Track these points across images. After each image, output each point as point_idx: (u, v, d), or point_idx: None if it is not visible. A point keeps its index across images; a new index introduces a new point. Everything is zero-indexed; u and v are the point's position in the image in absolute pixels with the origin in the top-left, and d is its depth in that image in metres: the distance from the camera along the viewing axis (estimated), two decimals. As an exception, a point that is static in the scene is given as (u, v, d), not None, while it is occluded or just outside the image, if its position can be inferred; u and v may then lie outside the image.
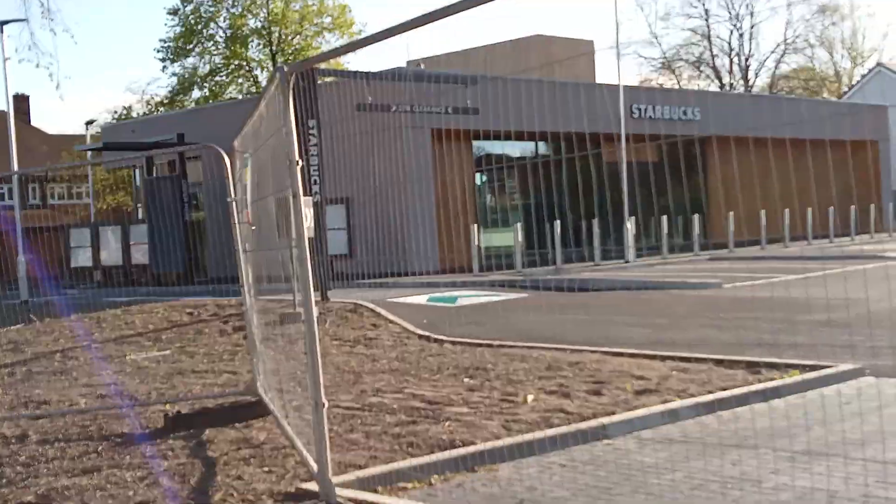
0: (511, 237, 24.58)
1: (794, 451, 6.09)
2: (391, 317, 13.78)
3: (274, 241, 7.14)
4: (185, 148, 19.51)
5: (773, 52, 66.60)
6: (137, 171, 32.44)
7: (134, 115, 50.78)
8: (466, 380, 8.82)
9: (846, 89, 63.26)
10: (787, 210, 29.59)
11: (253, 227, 8.26)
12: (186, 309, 15.36)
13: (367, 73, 24.02)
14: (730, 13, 65.30)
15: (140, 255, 26.69)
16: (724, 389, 7.85)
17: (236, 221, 8.68)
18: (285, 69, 5.79)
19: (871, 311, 12.07)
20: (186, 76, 51.45)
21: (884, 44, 68.35)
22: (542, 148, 29.59)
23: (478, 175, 28.73)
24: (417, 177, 24.78)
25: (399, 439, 6.59)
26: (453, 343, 11.39)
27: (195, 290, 19.91)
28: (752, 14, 64.45)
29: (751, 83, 65.97)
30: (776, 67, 67.31)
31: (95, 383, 9.68)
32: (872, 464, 5.72)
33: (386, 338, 12.12)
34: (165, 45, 50.83)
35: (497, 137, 25.88)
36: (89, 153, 35.66)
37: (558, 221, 24.24)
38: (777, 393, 7.83)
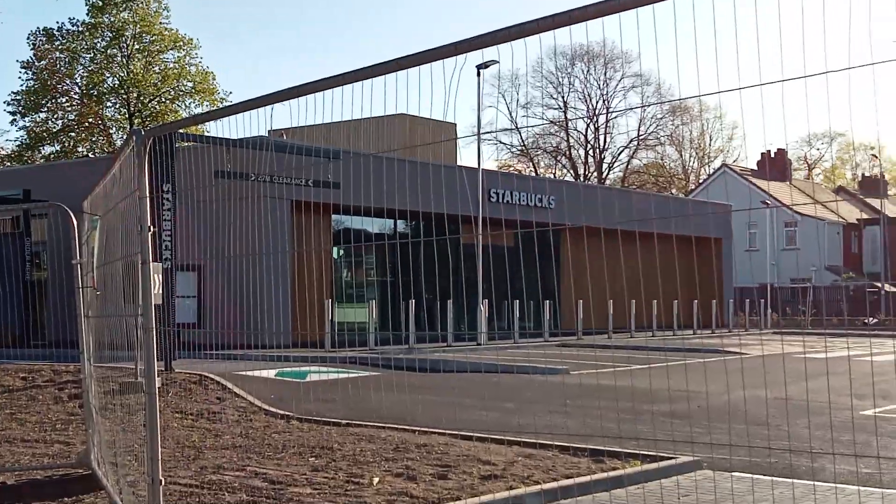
0: (365, 313, 24.48)
1: (634, 543, 6.14)
2: (238, 390, 13.43)
3: (119, 308, 6.89)
4: (30, 205, 18.79)
5: (626, 147, 69.22)
6: (-22, 225, 31.05)
7: (-22, 167, 48.87)
8: (312, 459, 8.63)
9: (693, 187, 66.21)
10: (633, 301, 30.48)
11: (98, 292, 7.95)
12: (20, 373, 14.61)
13: (227, 140, 23.77)
14: (587, 106, 67.69)
15: (-27, 314, 25.38)
16: (569, 477, 7.91)
17: (80, 285, 8.35)
18: (143, 133, 5.65)
19: (711, 404, 12.44)
20: (37, 131, 49.95)
21: (729, 146, 71.92)
22: (401, 226, 29.79)
23: (335, 249, 28.64)
24: (274, 248, 24.51)
25: (238, 520, 6.36)
26: (300, 420, 11.17)
27: (31, 354, 19.01)
28: (608, 110, 66.88)
29: (604, 175, 68.34)
30: (629, 162, 70.09)
31: (-87, 450, 9.05)
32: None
33: (231, 412, 11.79)
34: (16, 97, 49.36)
35: (356, 213, 25.92)
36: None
37: (413, 300, 24.31)
38: (619, 482, 7.93)
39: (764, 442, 9.45)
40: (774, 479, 8.13)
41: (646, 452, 8.85)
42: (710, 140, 72.86)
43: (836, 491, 7.66)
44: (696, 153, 72.95)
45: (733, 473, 8.37)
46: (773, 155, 61.58)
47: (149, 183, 5.58)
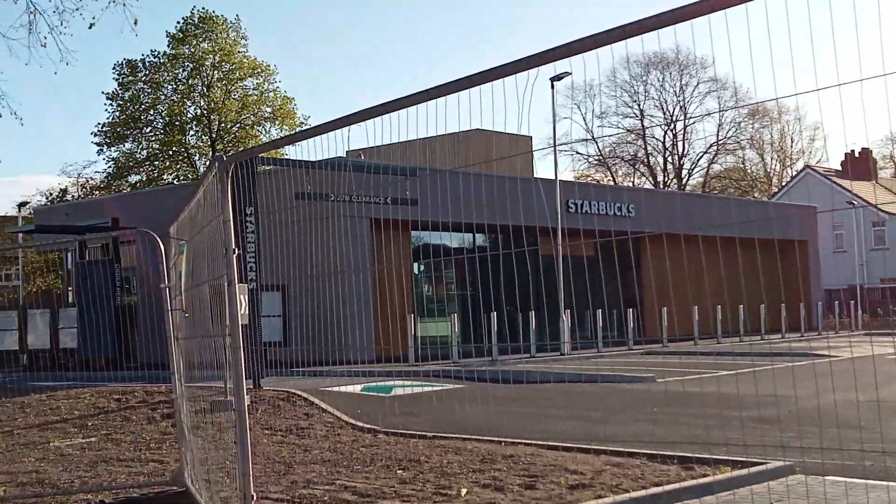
0: (447, 327, 24.55)
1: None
2: (325, 406, 13.60)
3: (207, 329, 7.04)
4: (119, 232, 19.29)
5: (705, 152, 68.27)
6: (69, 254, 31.98)
7: (68, 198, 50.31)
8: (400, 472, 8.70)
9: (776, 190, 65.02)
10: (719, 306, 30.04)
11: (186, 315, 8.15)
12: (114, 395, 15.00)
13: (306, 163, 24.10)
14: (664, 114, 66.99)
15: (68, 340, 26.12)
16: (658, 485, 7.84)
17: (169, 308, 8.56)
18: (225, 159, 5.79)
19: (800, 408, 12.22)
20: (123, 161, 51.21)
21: (811, 147, 70.42)
22: (480, 239, 29.83)
23: (415, 265, 28.80)
24: (355, 265, 24.75)
25: (329, 533, 6.45)
26: (387, 434, 11.26)
27: (124, 376, 19.49)
28: (685, 115, 66.08)
29: (684, 181, 67.52)
30: (709, 167, 69.10)
31: (16, 470, 9.35)
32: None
33: (319, 427, 11.94)
34: (102, 129, 50.69)
35: (435, 228, 26.03)
36: (20, 235, 35.09)
37: (494, 313, 24.31)
38: (709, 489, 7.83)
39: (857, 445, 9.26)
40: (869, 482, 7.96)
41: (736, 458, 8.73)
42: (792, 142, 71.50)
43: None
44: (778, 156, 71.65)
45: (826, 478, 8.21)
46: (856, 154, 60.16)
47: (232, 206, 5.71)
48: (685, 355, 25.07)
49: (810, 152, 70.49)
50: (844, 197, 51.47)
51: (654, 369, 19.66)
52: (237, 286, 5.70)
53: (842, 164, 61.18)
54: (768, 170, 71.50)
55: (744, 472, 8.29)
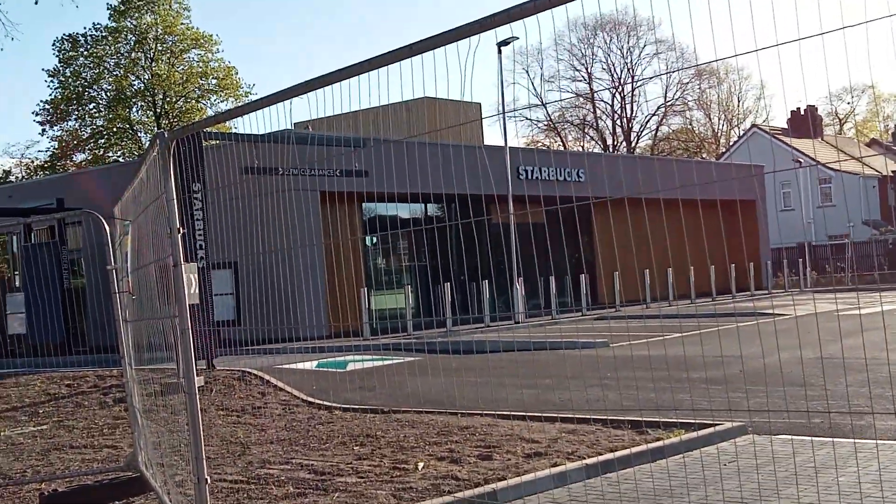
0: (401, 299, 24.54)
1: (679, 512, 6.16)
2: (279, 384, 13.56)
3: (155, 310, 6.97)
4: (64, 214, 18.97)
5: (653, 114, 68.65)
6: (14, 237, 31.45)
7: (12, 179, 49.41)
8: (356, 448, 8.71)
9: (724, 150, 65.60)
10: (669, 269, 30.32)
11: (133, 296, 8.05)
12: (65, 381, 14.82)
13: (253, 136, 23.85)
14: (612, 76, 67.20)
15: (17, 325, 25.71)
16: (612, 451, 7.93)
17: (116, 290, 8.46)
18: (166, 135, 5.71)
19: (748, 368, 12.40)
20: (67, 139, 50.38)
21: (758, 106, 71.06)
22: (432, 209, 29.79)
23: (367, 237, 28.70)
24: (306, 240, 24.61)
25: (286, 513, 6.45)
26: (343, 410, 11.27)
27: (75, 361, 19.26)
28: (633, 78, 66.29)
29: (633, 144, 67.87)
30: (657, 129, 69.51)
31: (-34, 462, 9.23)
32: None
33: (274, 406, 11.91)
34: (45, 107, 49.79)
35: (383, 199, 25.94)
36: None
37: (448, 283, 24.33)
38: (662, 453, 7.94)
39: (803, 403, 9.42)
40: (816, 439, 8.10)
41: (688, 421, 8.83)
42: (738, 101, 72.13)
43: (878, 447, 7.62)
44: (725, 115, 72.26)
45: (775, 437, 8.36)
46: (801, 112, 60.81)
47: (179, 183, 5.63)
48: (635, 319, 25.31)
49: (757, 111, 71.21)
50: (791, 155, 52.09)
51: (606, 334, 19.82)
52: (184, 266, 5.63)
53: (788, 123, 61.83)
54: (716, 129, 72.13)
55: (695, 434, 8.41)
